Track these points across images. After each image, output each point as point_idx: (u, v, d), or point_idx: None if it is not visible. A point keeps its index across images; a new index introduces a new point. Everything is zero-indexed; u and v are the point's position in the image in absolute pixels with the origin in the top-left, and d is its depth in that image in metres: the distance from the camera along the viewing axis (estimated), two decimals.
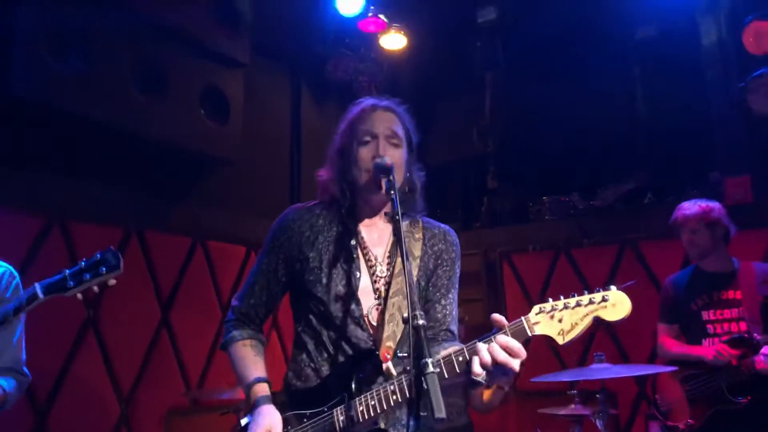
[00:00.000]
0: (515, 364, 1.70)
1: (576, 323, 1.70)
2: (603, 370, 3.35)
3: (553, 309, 1.73)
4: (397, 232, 1.80)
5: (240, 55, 4.78)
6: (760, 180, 4.66)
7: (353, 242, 2.11)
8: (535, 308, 1.75)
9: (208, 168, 4.88)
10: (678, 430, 3.58)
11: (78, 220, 4.09)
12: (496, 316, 1.77)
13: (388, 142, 2.07)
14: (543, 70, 5.90)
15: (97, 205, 4.18)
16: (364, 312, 2.05)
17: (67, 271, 1.94)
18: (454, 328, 2.16)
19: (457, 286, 2.21)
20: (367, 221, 2.15)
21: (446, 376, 1.78)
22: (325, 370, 2.05)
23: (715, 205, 3.68)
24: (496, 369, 1.72)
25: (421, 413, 1.61)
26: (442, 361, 1.78)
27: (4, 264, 2.26)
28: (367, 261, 2.10)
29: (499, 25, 5.98)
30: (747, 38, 4.57)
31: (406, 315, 1.67)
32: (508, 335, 1.72)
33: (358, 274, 2.07)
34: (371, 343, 2.03)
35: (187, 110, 4.38)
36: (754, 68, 4.53)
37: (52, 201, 3.96)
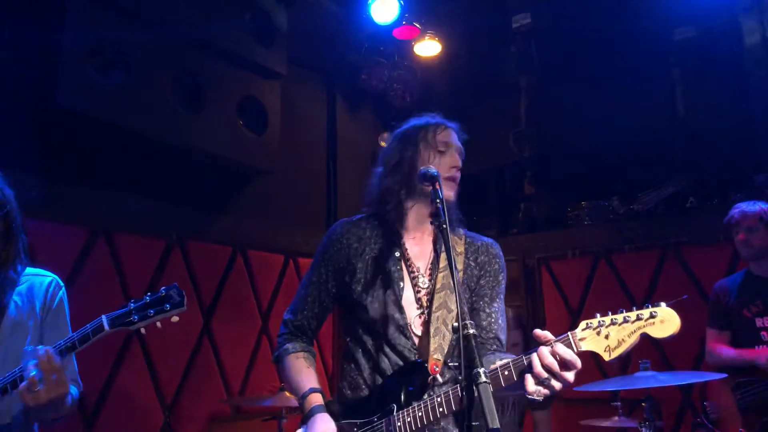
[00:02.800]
0: (570, 376, 1.70)
1: (623, 339, 1.69)
2: (649, 378, 3.27)
3: (600, 325, 1.72)
4: (445, 239, 1.81)
5: (277, 65, 4.85)
6: None
7: (397, 254, 2.18)
8: (582, 324, 1.74)
9: (246, 178, 4.95)
10: None
11: (122, 232, 4.18)
12: (539, 331, 1.76)
13: (459, 155, 2.22)
14: (579, 73, 5.82)
15: (141, 217, 4.26)
16: (409, 321, 2.10)
17: (132, 304, 1.96)
18: (503, 337, 2.17)
19: (502, 297, 2.24)
20: (410, 234, 2.22)
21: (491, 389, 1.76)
22: (374, 379, 2.10)
23: None
24: (548, 383, 1.71)
25: (474, 423, 1.61)
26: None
27: (51, 274, 2.31)
28: (410, 272, 2.16)
29: (533, 30, 5.92)
30: None
31: (456, 324, 1.68)
32: (554, 348, 1.71)
33: (401, 284, 2.14)
34: (415, 351, 2.08)
35: (225, 121, 4.46)
36: None
37: (97, 213, 4.05)
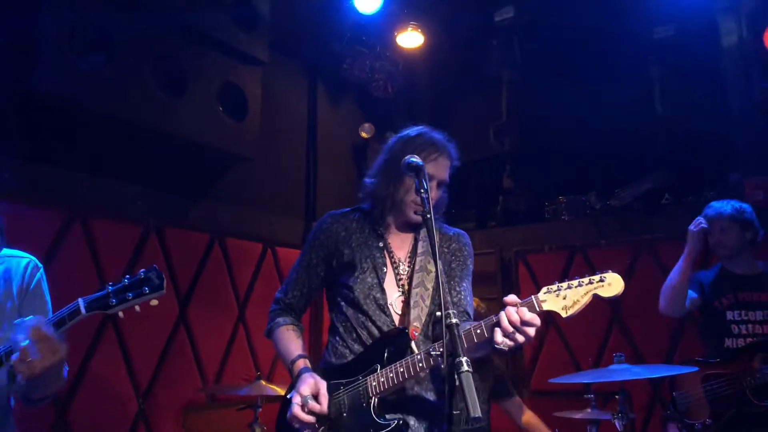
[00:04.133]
0: (531, 331, 1.93)
1: (577, 300, 1.95)
2: (623, 371, 3.33)
3: (558, 289, 1.98)
4: (429, 229, 2.00)
5: (259, 52, 4.79)
6: None
7: (381, 244, 2.43)
8: (543, 289, 2.00)
9: (225, 165, 4.90)
10: (695, 429, 3.57)
11: (98, 216, 4.12)
12: (509, 297, 1.98)
13: (438, 186, 2.37)
14: (560, 69, 5.87)
15: (117, 201, 4.21)
16: (389, 301, 2.34)
17: (110, 287, 1.92)
18: (471, 311, 2.42)
19: (470, 278, 2.50)
20: (392, 229, 2.47)
21: (465, 345, 1.96)
22: (357, 348, 2.34)
23: (747, 206, 3.66)
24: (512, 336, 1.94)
25: (454, 411, 1.66)
26: (462, 335, 1.95)
27: (28, 255, 2.26)
28: (391, 261, 2.41)
29: (516, 25, 5.95)
30: None
31: (439, 314, 1.89)
32: (519, 308, 1.94)
33: (384, 269, 2.38)
34: (394, 326, 2.32)
35: (205, 107, 4.40)
36: None
37: (73, 197, 3.98)
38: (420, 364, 2.09)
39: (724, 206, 3.67)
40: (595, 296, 1.95)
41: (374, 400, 2.16)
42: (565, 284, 1.98)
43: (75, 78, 3.67)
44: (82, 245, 4.02)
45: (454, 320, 1.80)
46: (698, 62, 5.25)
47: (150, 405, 4.27)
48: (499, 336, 1.93)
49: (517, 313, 1.91)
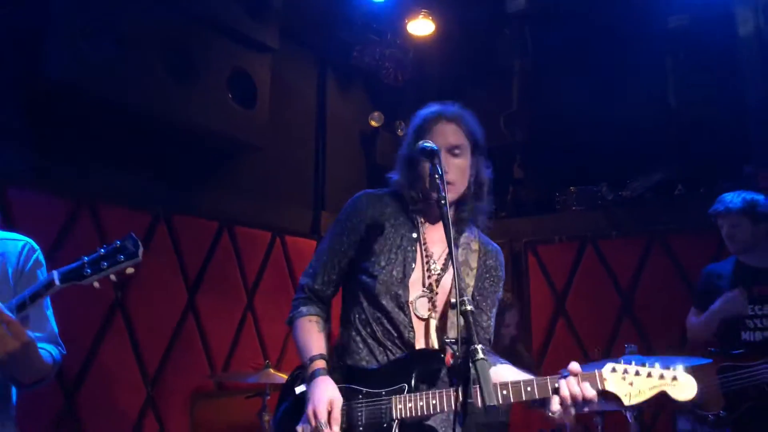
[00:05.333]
0: (586, 408, 1.85)
1: (643, 391, 1.85)
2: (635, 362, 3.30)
3: (624, 372, 1.86)
4: (443, 216, 1.86)
5: (269, 39, 4.77)
6: None
7: (415, 235, 2.23)
8: (609, 366, 1.88)
9: (235, 153, 4.88)
10: (708, 420, 3.54)
11: (107, 204, 4.11)
12: (573, 365, 1.87)
13: (449, 153, 2.16)
14: (572, 59, 5.80)
15: (126, 189, 4.19)
16: (410, 299, 2.16)
17: (85, 258, 1.90)
18: (491, 341, 2.29)
19: (497, 307, 2.33)
20: (430, 220, 2.27)
21: (511, 399, 1.88)
22: (375, 350, 2.17)
23: (759, 198, 3.58)
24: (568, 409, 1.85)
25: (469, 400, 1.64)
26: (510, 385, 1.88)
27: (24, 237, 2.24)
28: (423, 256, 2.21)
29: (528, 14, 5.88)
30: None
31: (454, 301, 1.71)
32: (581, 381, 1.84)
33: (413, 265, 2.19)
34: (411, 329, 2.15)
35: (215, 94, 4.38)
36: None
37: (83, 184, 3.97)
38: (454, 404, 1.90)
39: (735, 199, 3.60)
40: (663, 393, 1.85)
41: (396, 425, 2.01)
42: (632, 369, 1.86)
43: (85, 66, 3.64)
44: (91, 233, 4.01)
45: (469, 307, 1.72)
46: (713, 52, 5.17)
47: (158, 392, 4.27)
48: (555, 405, 1.83)
49: (579, 386, 1.82)
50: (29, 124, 3.66)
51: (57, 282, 1.89)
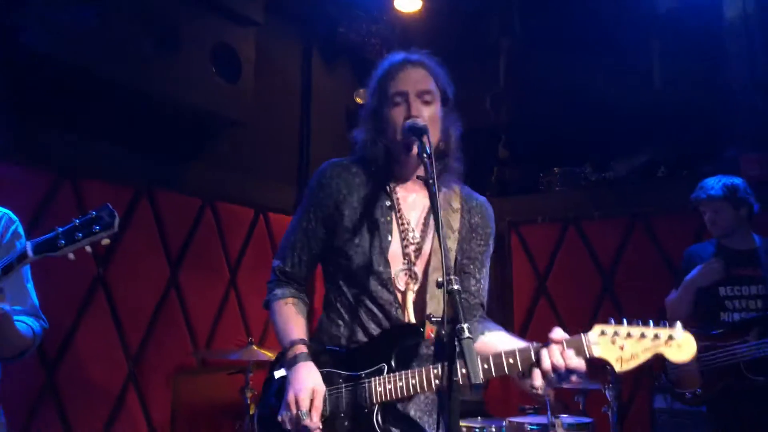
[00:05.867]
0: (574, 378, 1.71)
1: (636, 355, 1.68)
2: None
3: (615, 334, 1.69)
4: (432, 198, 1.75)
5: (253, 13, 4.68)
6: None
7: (388, 203, 2.07)
8: (597, 329, 1.71)
9: (218, 128, 4.81)
10: (684, 397, 3.61)
11: (89, 178, 4.05)
12: (556, 331, 1.73)
13: (420, 100, 1.99)
14: (559, 39, 5.77)
15: (108, 163, 4.13)
16: (392, 275, 2.02)
17: (60, 229, 1.83)
18: (485, 302, 2.14)
19: (489, 263, 2.17)
20: (403, 183, 2.10)
21: (493, 374, 1.77)
22: (355, 332, 2.03)
23: (739, 182, 3.62)
24: (552, 381, 1.72)
25: (454, 378, 1.60)
26: (491, 359, 1.77)
27: (2, 209, 2.19)
28: (400, 225, 2.06)
29: None
30: None
31: (440, 280, 1.65)
32: (564, 349, 1.69)
33: (389, 237, 2.03)
34: (397, 306, 2.02)
35: (198, 68, 4.30)
36: None
37: (64, 157, 3.90)
38: (436, 381, 1.82)
39: (715, 186, 3.62)
40: (659, 355, 1.67)
41: (377, 408, 1.89)
42: (623, 330, 1.68)
43: (64, 36, 3.55)
44: (72, 206, 3.95)
45: (455, 286, 1.61)
46: (700, 36, 5.18)
47: (140, 369, 4.25)
48: (538, 380, 1.69)
49: (562, 356, 1.67)
50: (9, 96, 3.58)
51: (30, 253, 1.84)
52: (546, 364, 1.68)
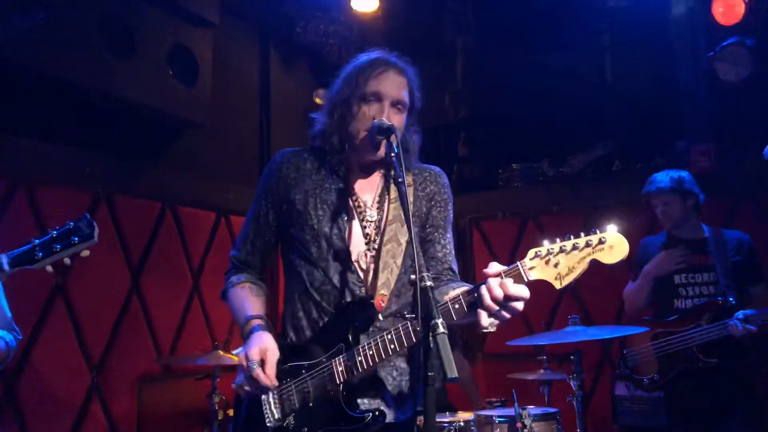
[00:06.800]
0: (519, 305, 1.70)
1: (573, 267, 1.67)
2: (579, 333, 3.44)
3: (549, 253, 1.69)
4: (402, 198, 1.78)
5: (209, 14, 4.63)
6: (723, 148, 4.79)
7: (341, 185, 2.09)
8: (531, 252, 1.71)
9: (177, 131, 4.74)
10: (642, 383, 3.73)
11: (44, 184, 3.94)
12: (491, 266, 1.73)
13: (393, 107, 2.03)
14: (513, 36, 5.89)
15: (64, 168, 4.03)
16: (354, 257, 2.02)
17: (36, 240, 1.80)
18: (455, 266, 2.17)
19: (451, 227, 2.21)
20: (355, 168, 2.13)
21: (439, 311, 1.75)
22: (319, 319, 2.03)
23: (685, 174, 3.78)
24: (498, 315, 1.70)
25: (429, 373, 1.61)
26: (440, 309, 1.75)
27: None
28: (356, 206, 2.08)
29: None
30: (716, 9, 4.65)
31: (413, 277, 1.66)
32: (503, 279, 1.68)
33: (346, 217, 2.04)
34: (362, 287, 2.01)
35: (154, 69, 4.24)
36: (722, 39, 4.62)
37: (16, 163, 3.79)
38: (392, 346, 1.83)
39: (664, 179, 3.77)
40: (594, 261, 1.66)
41: (342, 388, 1.90)
42: (556, 246, 1.68)
43: (14, 37, 3.46)
44: (27, 215, 3.84)
45: (428, 283, 1.63)
46: (648, 32, 5.34)
47: (103, 378, 4.16)
48: (484, 319, 1.70)
49: (500, 287, 1.65)
50: None
51: (6, 267, 1.80)
52: (487, 300, 1.67)
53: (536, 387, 4.26)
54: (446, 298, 1.83)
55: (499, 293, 1.66)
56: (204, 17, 4.59)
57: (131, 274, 4.43)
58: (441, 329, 1.57)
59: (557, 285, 1.68)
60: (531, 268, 1.70)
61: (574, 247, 1.67)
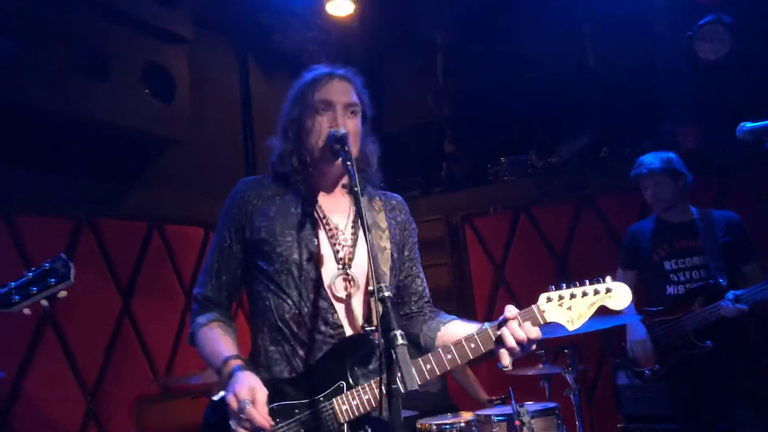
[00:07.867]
0: (533, 346, 1.83)
1: (583, 312, 1.85)
2: None
3: (560, 298, 1.85)
4: (356, 203, 1.76)
5: (181, 29, 4.58)
6: (709, 128, 4.74)
7: (309, 210, 2.01)
8: (543, 297, 1.86)
9: (157, 149, 4.71)
10: (644, 375, 3.69)
11: (23, 213, 3.91)
12: (509, 309, 1.84)
13: (345, 111, 2.00)
14: (492, 28, 5.84)
15: (44, 195, 3.99)
16: (326, 282, 1.94)
17: (12, 284, 1.81)
18: (428, 297, 2.20)
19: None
20: (323, 191, 2.07)
21: (458, 362, 1.84)
22: (293, 354, 1.93)
23: (673, 155, 3.73)
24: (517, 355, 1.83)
25: (393, 386, 1.58)
26: (453, 347, 1.85)
27: None
28: (327, 230, 2.01)
29: None
30: None
31: (371, 288, 1.65)
32: (521, 323, 1.81)
33: (316, 241, 1.96)
34: (334, 313, 1.93)
35: (129, 90, 4.20)
36: (701, 18, 4.57)
37: None
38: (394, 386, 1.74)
39: (653, 160, 3.73)
40: (602, 308, 1.85)
41: (346, 426, 1.86)
42: (567, 293, 1.85)
43: None
44: (8, 245, 3.81)
45: (387, 293, 1.60)
46: (628, 15, 5.28)
47: (99, 403, 4.13)
48: (506, 358, 1.80)
49: (522, 329, 1.79)
50: None
51: None
52: (510, 341, 1.79)
53: (537, 382, 4.21)
54: (458, 337, 1.87)
55: (522, 336, 1.79)
56: (177, 33, 4.55)
57: (121, 296, 4.40)
58: (400, 340, 1.55)
59: (570, 327, 1.87)
60: (544, 311, 1.86)
61: (584, 294, 1.86)
